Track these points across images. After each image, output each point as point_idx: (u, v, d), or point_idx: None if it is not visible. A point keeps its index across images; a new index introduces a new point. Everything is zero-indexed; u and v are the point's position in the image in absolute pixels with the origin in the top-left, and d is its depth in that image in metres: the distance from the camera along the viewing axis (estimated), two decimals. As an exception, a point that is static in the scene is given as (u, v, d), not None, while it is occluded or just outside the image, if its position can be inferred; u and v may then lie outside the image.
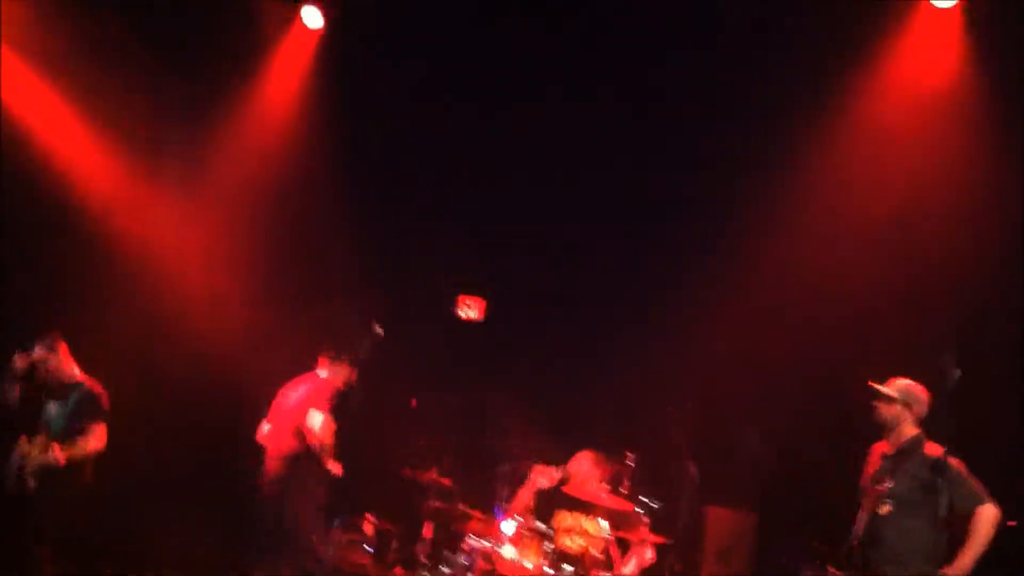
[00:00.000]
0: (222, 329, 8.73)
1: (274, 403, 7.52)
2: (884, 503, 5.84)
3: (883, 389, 6.03)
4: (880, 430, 6.13)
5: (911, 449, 5.93)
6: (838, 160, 8.09)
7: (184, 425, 8.60)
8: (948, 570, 5.72)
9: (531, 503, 7.27)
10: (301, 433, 7.12)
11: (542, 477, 7.31)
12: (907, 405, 5.96)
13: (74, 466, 6.77)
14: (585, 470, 7.32)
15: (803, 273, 8.14)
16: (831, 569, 7.10)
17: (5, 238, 8.15)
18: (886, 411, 6.04)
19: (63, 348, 7.07)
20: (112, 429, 6.98)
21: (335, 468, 7.14)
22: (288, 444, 7.20)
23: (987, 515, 5.80)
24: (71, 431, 6.83)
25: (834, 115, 8.10)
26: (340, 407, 7.29)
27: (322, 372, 7.50)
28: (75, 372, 7.07)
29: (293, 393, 7.47)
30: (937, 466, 5.79)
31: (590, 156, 8.94)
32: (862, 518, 5.94)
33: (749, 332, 8.33)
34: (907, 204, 7.79)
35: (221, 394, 8.66)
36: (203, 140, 9.12)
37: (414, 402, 8.14)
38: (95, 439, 6.87)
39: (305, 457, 7.11)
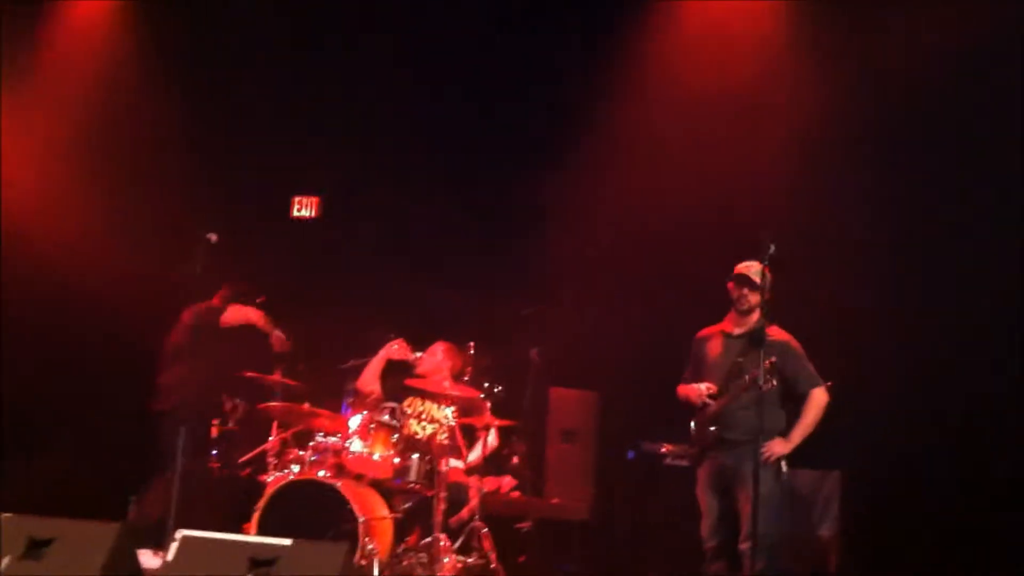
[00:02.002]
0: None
1: None
2: (747, 386, 5.95)
3: (756, 277, 6.12)
4: (728, 311, 6.37)
5: (760, 332, 6.06)
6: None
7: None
8: (774, 444, 6.07)
9: (379, 375, 7.36)
10: None
11: (395, 347, 7.41)
12: (765, 290, 6.08)
13: None
14: (438, 361, 7.45)
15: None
16: (667, 445, 7.48)
17: None
18: (753, 299, 6.20)
19: None
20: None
21: None
22: None
23: (818, 397, 6.17)
24: None
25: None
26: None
27: None
28: None
29: None
30: (783, 349, 6.08)
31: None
32: (715, 399, 6.16)
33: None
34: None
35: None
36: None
37: (263, 298, 8.04)
38: None
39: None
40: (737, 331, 6.29)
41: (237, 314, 7.75)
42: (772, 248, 5.70)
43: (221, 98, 9.11)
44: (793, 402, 6.23)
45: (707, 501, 6.26)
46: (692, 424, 6.35)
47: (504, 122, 8.96)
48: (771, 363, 5.82)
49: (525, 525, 7.83)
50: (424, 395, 7.33)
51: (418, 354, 7.41)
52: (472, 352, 7.30)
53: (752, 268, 6.21)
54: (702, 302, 6.91)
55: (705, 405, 6.22)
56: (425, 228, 9.12)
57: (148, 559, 5.70)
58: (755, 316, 6.23)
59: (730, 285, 6.32)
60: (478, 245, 8.86)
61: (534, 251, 8.58)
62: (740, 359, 6.08)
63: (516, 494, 7.95)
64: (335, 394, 7.71)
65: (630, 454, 8.01)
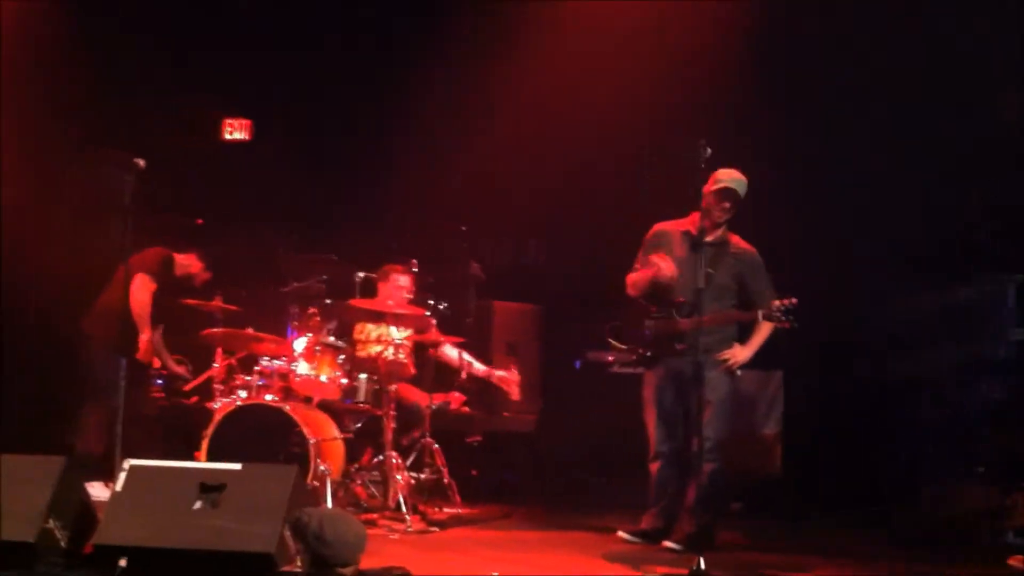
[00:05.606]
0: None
1: None
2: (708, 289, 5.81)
3: (741, 191, 6.02)
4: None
5: (727, 240, 6.14)
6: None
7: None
8: (736, 352, 6.13)
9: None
10: None
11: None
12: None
13: None
14: (393, 284, 7.34)
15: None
16: (612, 354, 7.53)
17: None
18: (731, 212, 6.09)
19: None
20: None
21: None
22: None
23: None
24: None
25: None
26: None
27: None
28: None
29: None
30: (750, 261, 6.12)
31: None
32: (678, 294, 6.07)
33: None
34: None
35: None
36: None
37: (199, 221, 7.90)
38: None
39: None
40: (707, 238, 6.00)
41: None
42: (708, 151, 5.61)
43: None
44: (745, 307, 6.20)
45: (662, 406, 6.20)
46: (646, 325, 6.25)
47: (432, 35, 8.80)
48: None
49: (475, 439, 7.89)
50: (375, 318, 7.27)
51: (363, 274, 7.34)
52: (416, 270, 7.25)
53: (735, 178, 6.04)
54: (640, 211, 6.88)
55: (673, 319, 6.10)
56: (361, 148, 9.02)
57: (98, 491, 5.66)
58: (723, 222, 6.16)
59: (708, 194, 5.99)
60: (413, 163, 8.77)
61: (470, 167, 8.52)
62: (711, 270, 5.92)
63: (465, 409, 8.00)
64: (279, 318, 7.63)
65: (576, 364, 8.08)
